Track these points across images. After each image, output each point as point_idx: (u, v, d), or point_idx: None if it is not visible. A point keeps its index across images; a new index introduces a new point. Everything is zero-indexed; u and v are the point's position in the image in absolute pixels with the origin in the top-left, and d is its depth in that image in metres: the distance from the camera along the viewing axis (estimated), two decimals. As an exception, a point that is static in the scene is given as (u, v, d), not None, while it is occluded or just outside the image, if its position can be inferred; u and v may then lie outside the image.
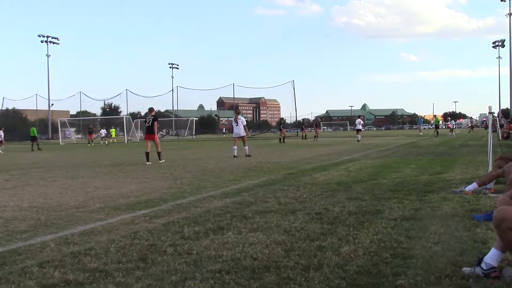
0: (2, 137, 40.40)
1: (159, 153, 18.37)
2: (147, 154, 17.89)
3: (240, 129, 20.69)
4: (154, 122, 18.42)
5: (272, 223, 6.03)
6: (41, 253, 4.95)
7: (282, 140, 39.64)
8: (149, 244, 5.14)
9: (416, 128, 74.53)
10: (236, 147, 20.39)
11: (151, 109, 19.02)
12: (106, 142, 52.82)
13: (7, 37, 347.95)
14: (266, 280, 3.88)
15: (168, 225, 6.14)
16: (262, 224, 6.02)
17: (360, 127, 37.59)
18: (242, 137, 20.79)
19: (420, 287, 3.64)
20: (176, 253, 4.77)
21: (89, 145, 50.18)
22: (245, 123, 21.23)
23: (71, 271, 4.25)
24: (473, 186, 8.02)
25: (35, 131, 42.42)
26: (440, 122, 62.75)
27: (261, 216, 6.51)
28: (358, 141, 34.99)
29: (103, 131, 56.98)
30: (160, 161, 17.97)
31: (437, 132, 44.36)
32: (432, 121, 51.87)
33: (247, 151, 20.34)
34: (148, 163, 17.40)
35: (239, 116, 20.92)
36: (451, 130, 48.30)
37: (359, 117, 39.86)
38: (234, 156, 19.69)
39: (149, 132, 18.69)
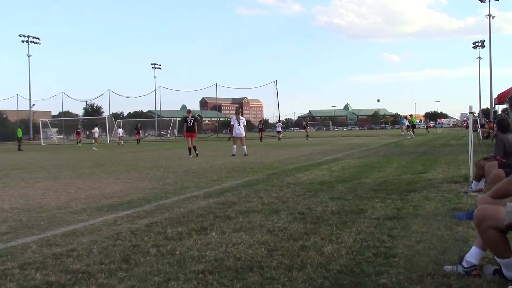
0: (97, 134, 44.20)
1: (194, 147, 21.24)
2: (189, 149, 21.30)
3: (241, 129, 21.54)
4: (195, 122, 21.99)
5: (255, 223, 6.04)
6: (22, 255, 4.91)
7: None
8: (132, 245, 5.12)
9: (398, 128, 74.74)
10: (235, 146, 21.25)
11: (189, 111, 23.30)
12: (122, 142, 51.35)
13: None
14: (249, 280, 3.88)
15: (151, 226, 6.12)
16: (245, 224, 6.02)
17: (279, 129, 51.36)
18: (241, 138, 21.50)
19: (402, 286, 3.67)
20: (159, 253, 4.76)
21: (78, 145, 49.47)
22: (245, 124, 22.26)
23: (53, 273, 4.22)
24: (475, 184, 8.12)
25: (21, 132, 42.98)
26: (417, 121, 62.61)
27: (244, 216, 6.52)
28: (279, 139, 45.80)
29: (120, 131, 54.36)
30: (192, 156, 20.79)
31: (413, 132, 44.54)
32: (404, 120, 50.80)
33: (245, 151, 20.99)
34: (190, 156, 20.71)
35: (241, 117, 22.05)
36: (408, 129, 46.61)
37: (279, 121, 57.68)
38: (233, 155, 20.37)
39: (192, 131, 21.64)
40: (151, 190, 9.90)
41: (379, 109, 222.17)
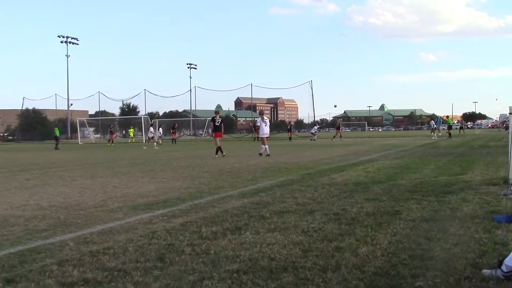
0: (153, 132, 45.95)
1: (220, 147, 21.28)
2: (217, 149, 21.19)
3: (267, 129, 21.75)
4: (222, 123, 22.38)
5: (289, 224, 6.03)
6: (60, 251, 5.00)
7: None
8: (167, 244, 5.16)
9: (436, 129, 73.44)
10: (266, 146, 21.04)
11: (217, 112, 23.54)
12: (160, 141, 51.20)
13: (28, 37, 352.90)
14: (283, 280, 3.87)
15: (186, 225, 6.17)
16: (280, 224, 6.01)
17: (313, 131, 51.93)
18: (266, 137, 21.58)
19: (439, 289, 3.61)
20: (194, 252, 4.79)
21: (109, 144, 50.27)
22: (269, 124, 22.61)
23: (90, 270, 4.29)
24: None
25: (58, 131, 44.38)
26: (454, 122, 61.28)
27: (279, 217, 6.51)
28: (314, 140, 46.14)
29: (160, 130, 54.38)
30: (224, 154, 20.85)
31: (449, 133, 43.73)
32: (432, 122, 48.99)
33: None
34: (218, 155, 20.72)
35: (265, 117, 22.46)
36: (433, 130, 44.78)
37: (315, 124, 59.44)
38: (267, 155, 20.36)
39: (218, 130, 22.03)
40: (186, 189, 9.97)
41: (415, 110, 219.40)
